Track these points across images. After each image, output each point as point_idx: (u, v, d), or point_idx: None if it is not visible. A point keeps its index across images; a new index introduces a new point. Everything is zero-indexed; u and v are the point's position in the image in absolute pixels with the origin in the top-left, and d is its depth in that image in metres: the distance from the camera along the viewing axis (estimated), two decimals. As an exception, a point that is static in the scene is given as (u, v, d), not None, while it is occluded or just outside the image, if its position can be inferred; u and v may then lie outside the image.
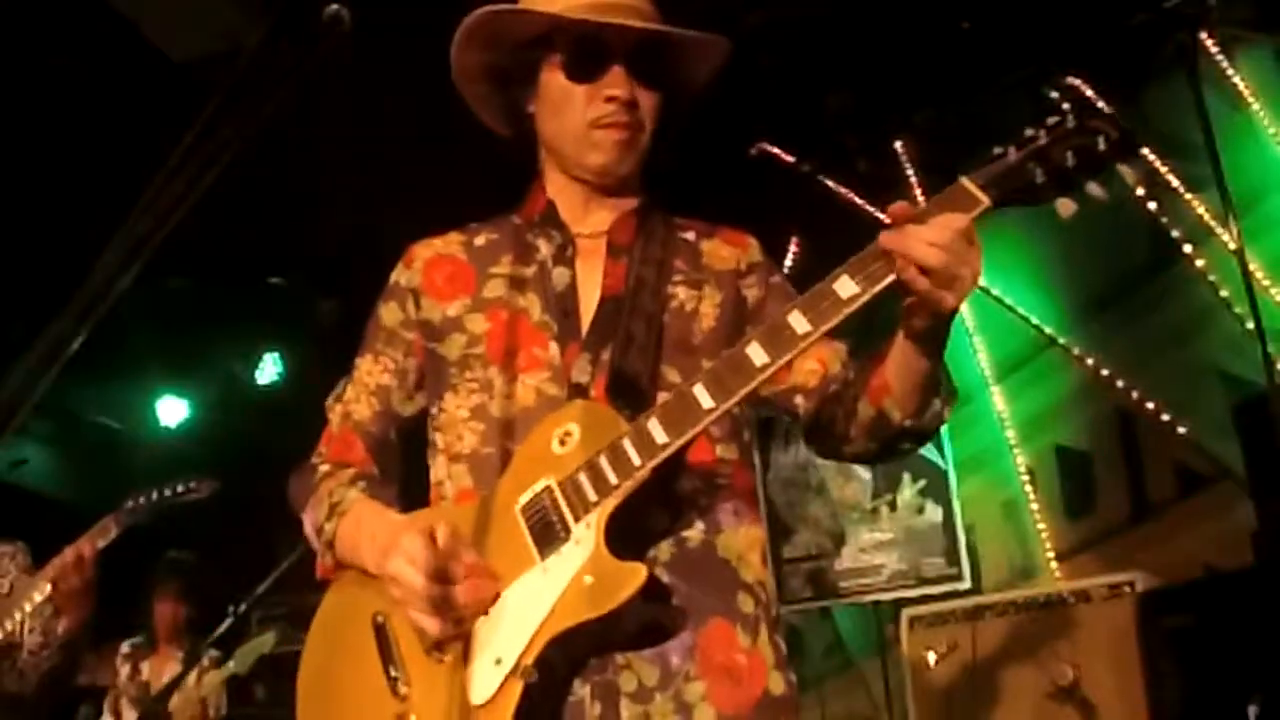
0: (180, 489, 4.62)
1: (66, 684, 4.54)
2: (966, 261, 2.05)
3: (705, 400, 2.16)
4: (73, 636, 4.28)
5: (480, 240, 2.60)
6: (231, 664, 6.25)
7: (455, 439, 2.43)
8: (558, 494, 2.22)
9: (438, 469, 2.49)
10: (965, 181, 2.12)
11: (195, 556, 6.79)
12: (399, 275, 2.62)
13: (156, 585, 6.60)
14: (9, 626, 4.22)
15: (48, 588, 4.19)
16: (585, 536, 2.17)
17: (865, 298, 2.12)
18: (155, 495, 4.54)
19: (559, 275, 2.49)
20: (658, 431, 2.17)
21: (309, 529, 2.52)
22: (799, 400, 2.48)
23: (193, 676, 6.20)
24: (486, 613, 2.21)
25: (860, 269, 2.13)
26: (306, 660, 2.49)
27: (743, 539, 2.39)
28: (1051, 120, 2.12)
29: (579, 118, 2.46)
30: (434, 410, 2.52)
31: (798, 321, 2.14)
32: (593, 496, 2.18)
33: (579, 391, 2.36)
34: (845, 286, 2.13)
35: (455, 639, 2.22)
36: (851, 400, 2.37)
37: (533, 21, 2.48)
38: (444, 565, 2.18)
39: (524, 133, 2.60)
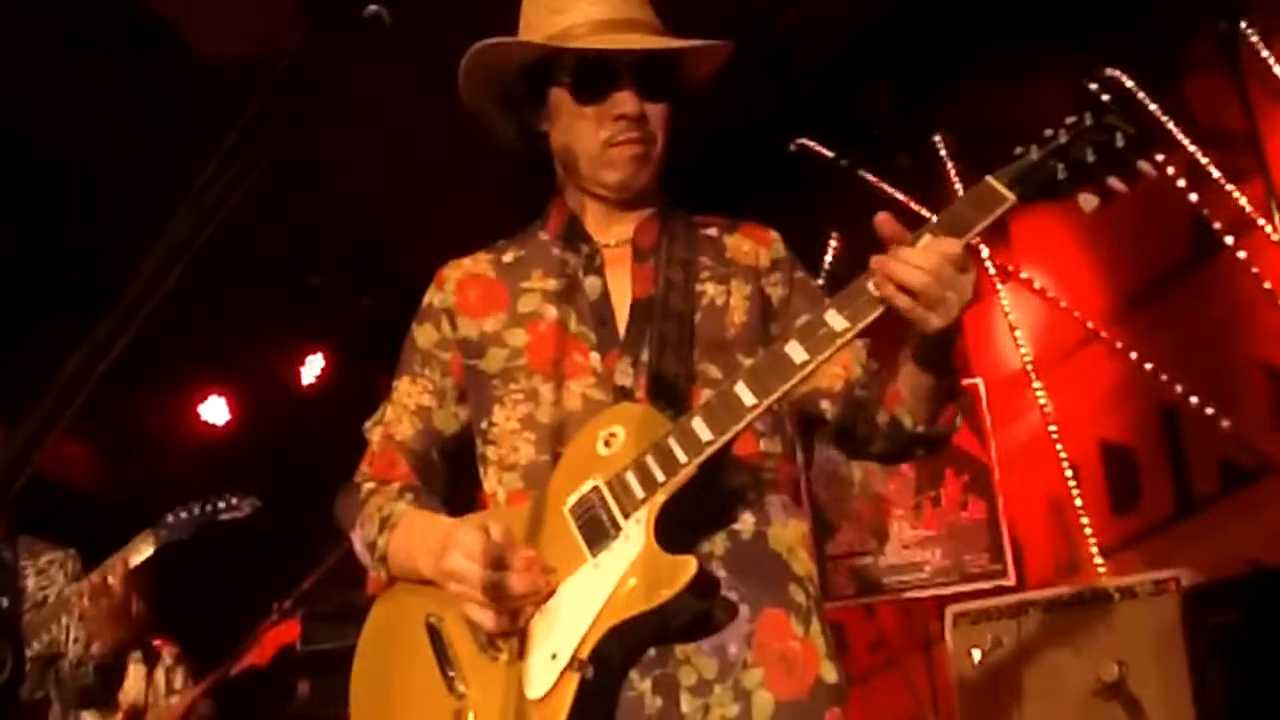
0: (221, 505, 4.55)
1: (109, 696, 4.51)
2: (954, 286, 2.12)
3: (747, 398, 2.22)
4: (105, 660, 4.23)
5: (508, 257, 2.66)
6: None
7: (510, 450, 2.49)
8: (606, 493, 2.28)
9: (490, 480, 2.55)
10: (991, 180, 2.18)
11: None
12: (431, 297, 2.68)
13: None
14: (46, 639, 4.21)
15: (75, 613, 4.16)
16: (635, 532, 2.22)
17: (855, 328, 2.19)
18: (196, 511, 4.49)
19: (591, 285, 2.55)
20: (702, 430, 2.22)
21: (359, 546, 2.58)
22: (825, 404, 2.55)
23: (159, 676, 6.16)
24: (543, 605, 2.26)
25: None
26: (359, 666, 2.54)
27: (792, 532, 2.45)
28: (1070, 119, 2.19)
29: (591, 139, 2.52)
30: (484, 425, 2.56)
31: (834, 319, 2.20)
32: (640, 494, 2.24)
33: (624, 394, 2.43)
34: (875, 289, 2.18)
35: (511, 634, 2.27)
36: (870, 404, 2.43)
37: (530, 50, 2.53)
38: (500, 555, 2.24)
39: (540, 151, 2.66)
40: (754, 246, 2.65)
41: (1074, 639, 4.85)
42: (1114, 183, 2.17)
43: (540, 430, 2.45)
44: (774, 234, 2.71)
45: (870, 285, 2.17)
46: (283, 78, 1.40)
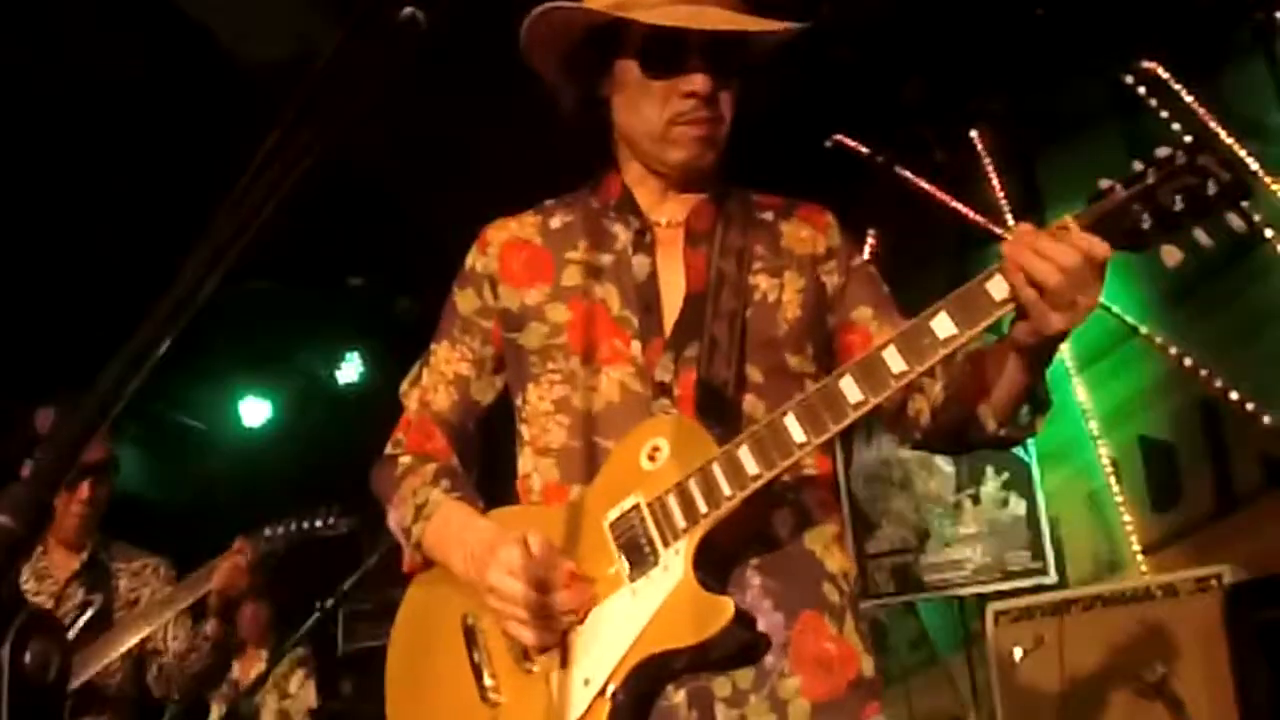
0: (319, 524, 4.62)
1: (216, 684, 4.68)
2: (1085, 290, 2.00)
3: (797, 434, 2.15)
4: (221, 638, 4.42)
5: (556, 222, 2.57)
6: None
7: (541, 432, 2.44)
8: (646, 515, 2.23)
9: (525, 461, 2.49)
10: (1070, 221, 2.05)
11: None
12: (474, 260, 2.59)
13: None
14: (140, 639, 4.37)
15: (202, 591, 4.37)
16: (674, 564, 2.18)
17: (963, 339, 2.09)
18: (294, 526, 4.58)
19: (639, 264, 2.46)
20: (749, 462, 2.17)
21: (394, 526, 2.52)
22: None
23: (285, 680, 6.25)
24: (581, 622, 2.23)
25: (960, 307, 2.10)
26: (393, 655, 2.51)
27: (828, 530, 2.39)
28: (1162, 153, 2.04)
29: (658, 115, 2.41)
30: (519, 402, 2.52)
31: (893, 359, 2.12)
32: (681, 523, 2.19)
33: (663, 390, 2.36)
34: (943, 325, 2.10)
35: (549, 649, 2.24)
36: (942, 396, 2.36)
37: (600, 17, 2.41)
38: (543, 574, 2.20)
39: (598, 117, 2.55)
40: (812, 233, 2.55)
41: (1115, 637, 4.83)
42: (1200, 236, 2.03)
43: (574, 415, 2.39)
44: (830, 217, 2.60)
45: (933, 326, 2.09)
46: (318, 81, 1.41)
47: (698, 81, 2.36)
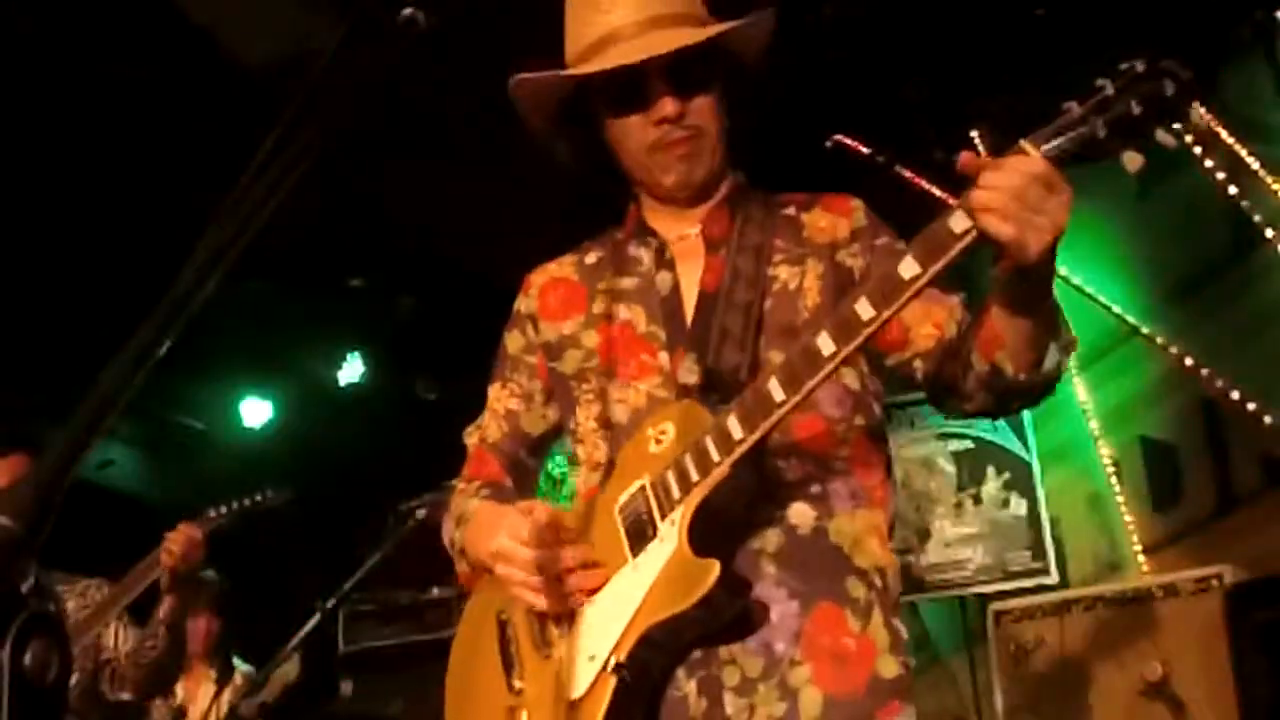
0: (257, 498, 4.79)
1: (176, 667, 4.70)
2: (1043, 209, 1.97)
3: (777, 394, 2.18)
4: (176, 618, 4.48)
5: (590, 259, 2.69)
6: (262, 694, 6.23)
7: (593, 448, 2.53)
8: (649, 493, 2.29)
9: (579, 480, 2.59)
10: (1024, 144, 2.04)
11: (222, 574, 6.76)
12: (520, 304, 2.73)
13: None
14: (92, 652, 4.46)
15: (152, 576, 4.43)
16: (669, 534, 2.23)
17: (928, 276, 2.07)
18: (234, 505, 4.71)
19: (662, 280, 2.55)
20: (734, 428, 2.20)
21: (447, 543, 2.67)
22: (917, 364, 2.42)
23: (226, 696, 6.23)
24: (592, 599, 2.30)
25: (922, 247, 2.10)
26: (452, 657, 2.64)
27: (860, 523, 2.39)
28: (1123, 66, 2.02)
29: (638, 146, 2.51)
30: (571, 425, 2.62)
31: (863, 308, 2.12)
32: (676, 494, 2.24)
33: (686, 392, 2.41)
34: (908, 267, 2.09)
35: (562, 618, 2.32)
36: (967, 355, 2.30)
37: (558, 79, 2.53)
38: (545, 534, 2.28)
39: (606, 159, 2.62)
40: (832, 220, 2.56)
41: (1117, 637, 4.83)
42: (1163, 137, 1.99)
43: (614, 429, 2.48)
44: (854, 202, 2.60)
45: (900, 270, 2.09)
46: (318, 82, 1.41)
47: (666, 107, 2.45)
